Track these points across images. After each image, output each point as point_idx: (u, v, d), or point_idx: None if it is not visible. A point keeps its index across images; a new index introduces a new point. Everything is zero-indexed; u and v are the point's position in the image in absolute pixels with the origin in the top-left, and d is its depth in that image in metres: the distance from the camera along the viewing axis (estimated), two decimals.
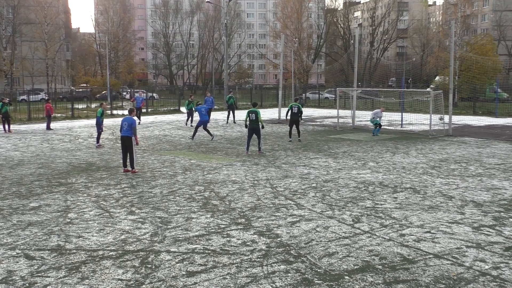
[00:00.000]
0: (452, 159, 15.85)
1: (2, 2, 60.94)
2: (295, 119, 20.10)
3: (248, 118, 16.83)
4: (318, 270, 6.61)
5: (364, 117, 31.47)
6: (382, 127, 23.36)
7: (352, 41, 73.21)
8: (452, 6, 58.61)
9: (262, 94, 48.98)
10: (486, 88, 41.41)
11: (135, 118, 15.08)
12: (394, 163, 15.00)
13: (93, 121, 28.18)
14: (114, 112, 37.58)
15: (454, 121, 26.68)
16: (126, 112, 28.72)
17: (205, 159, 16.09)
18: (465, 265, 6.75)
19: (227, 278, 6.36)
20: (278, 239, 7.90)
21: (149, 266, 6.81)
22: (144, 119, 32.13)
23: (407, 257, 7.07)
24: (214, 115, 31.32)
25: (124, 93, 58.84)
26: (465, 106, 39.31)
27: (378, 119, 22.72)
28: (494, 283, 6.17)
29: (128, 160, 13.87)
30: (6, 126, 25.39)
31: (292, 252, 7.31)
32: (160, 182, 12.43)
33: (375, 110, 23.46)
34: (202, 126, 20.90)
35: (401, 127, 26.20)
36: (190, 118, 27.75)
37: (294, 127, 20.31)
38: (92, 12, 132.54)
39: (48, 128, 26.45)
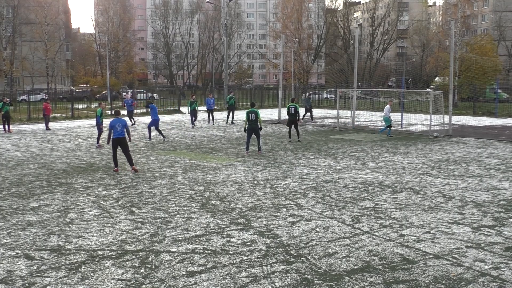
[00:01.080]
0: (452, 159, 15.86)
1: (2, 2, 60.93)
2: (293, 119, 20.13)
3: (248, 119, 16.85)
4: (318, 270, 6.60)
5: (364, 117, 31.50)
6: (384, 126, 23.16)
7: (352, 42, 73.20)
8: (452, 6, 58.55)
9: (262, 95, 48.95)
10: (486, 89, 41.39)
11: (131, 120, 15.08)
12: (394, 164, 15.00)
13: (93, 121, 28.19)
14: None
15: (454, 121, 26.68)
16: (124, 112, 28.64)
17: (205, 159, 16.09)
18: (465, 266, 6.75)
19: (227, 278, 6.36)
20: (278, 239, 7.90)
21: (149, 266, 6.81)
22: (144, 119, 32.12)
23: (407, 257, 7.07)
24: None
25: (124, 93, 58.80)
26: (465, 106, 39.30)
27: (388, 116, 22.44)
28: (494, 284, 6.17)
29: (124, 159, 13.88)
30: (6, 126, 25.40)
31: (292, 252, 7.31)
32: (160, 182, 12.43)
33: (386, 106, 22.83)
34: (154, 125, 21.09)
35: (401, 127, 26.19)
36: (194, 119, 27.76)
37: (293, 128, 20.33)
38: (92, 12, 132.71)
39: (47, 128, 26.42)
